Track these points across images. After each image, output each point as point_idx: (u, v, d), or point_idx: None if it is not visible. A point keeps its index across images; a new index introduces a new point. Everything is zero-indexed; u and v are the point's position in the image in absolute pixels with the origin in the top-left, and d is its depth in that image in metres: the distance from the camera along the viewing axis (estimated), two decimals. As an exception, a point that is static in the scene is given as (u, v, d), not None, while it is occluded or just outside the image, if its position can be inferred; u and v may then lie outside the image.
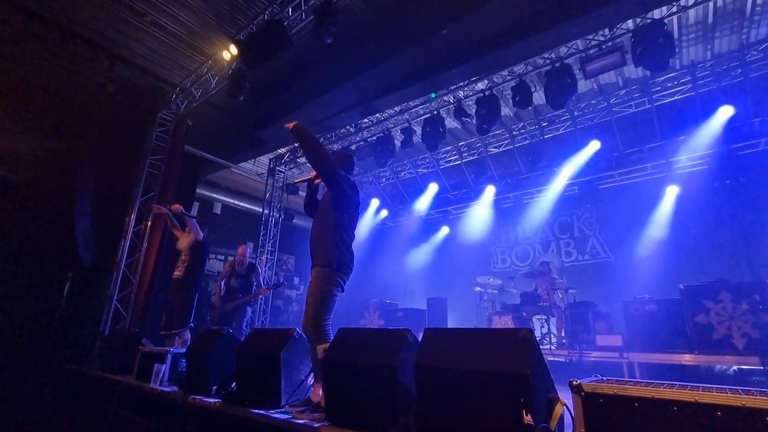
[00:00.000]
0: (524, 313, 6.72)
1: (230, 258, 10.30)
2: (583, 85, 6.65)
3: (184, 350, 3.66)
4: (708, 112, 6.43)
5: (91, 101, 6.67)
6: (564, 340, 6.13)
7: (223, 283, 5.50)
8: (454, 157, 9.07)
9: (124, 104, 6.74)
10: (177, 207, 4.75)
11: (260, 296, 6.20)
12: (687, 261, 6.73)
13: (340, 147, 8.43)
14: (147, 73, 6.51)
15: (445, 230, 10.57)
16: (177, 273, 4.61)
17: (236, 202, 9.66)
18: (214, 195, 9.23)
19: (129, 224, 6.22)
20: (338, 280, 2.60)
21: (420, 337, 2.05)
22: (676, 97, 6.54)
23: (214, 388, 3.05)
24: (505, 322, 6.53)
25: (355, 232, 2.82)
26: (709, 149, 6.78)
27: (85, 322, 6.01)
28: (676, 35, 5.63)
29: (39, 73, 6.19)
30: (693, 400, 1.28)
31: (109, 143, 6.81)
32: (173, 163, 6.75)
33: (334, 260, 2.57)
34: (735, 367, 5.04)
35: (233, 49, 5.39)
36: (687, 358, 4.69)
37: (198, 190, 8.38)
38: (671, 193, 7.30)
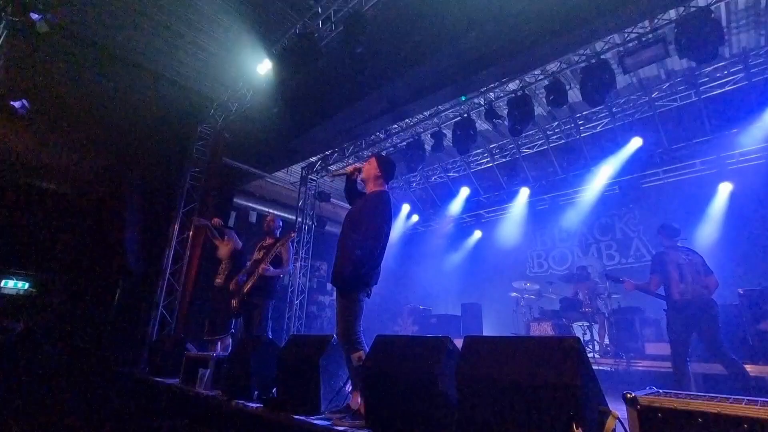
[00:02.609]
0: (564, 320, 6.45)
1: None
2: (621, 80, 6.34)
3: (226, 355, 3.78)
4: (763, 102, 5.97)
5: (138, 119, 7.12)
6: (608, 348, 5.83)
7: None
8: (485, 160, 8.91)
9: (166, 120, 7.13)
10: (216, 220, 4.95)
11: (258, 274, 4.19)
12: (744, 263, 6.22)
13: (370, 153, 8.51)
14: (187, 90, 6.87)
15: (477, 234, 10.38)
16: (218, 280, 4.78)
17: (271, 211, 9.93)
18: (250, 204, 9.54)
19: (173, 234, 6.54)
20: (369, 290, 2.61)
21: (459, 345, 2.01)
22: (726, 88, 6.11)
23: (256, 393, 3.12)
24: (544, 329, 6.30)
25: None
26: (765, 142, 6.27)
27: (134, 328, 6.36)
28: (724, 22, 5.28)
29: (89, 96, 6.67)
30: (767, 417, 1.18)
31: (154, 157, 7.23)
32: (212, 175, 7.06)
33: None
34: (806, 379, 4.59)
35: (267, 64, 5.59)
36: (750, 369, 4.32)
37: (235, 200, 8.70)
38: (724, 190, 6.81)
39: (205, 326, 4.77)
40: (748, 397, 1.40)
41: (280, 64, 5.21)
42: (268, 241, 4.54)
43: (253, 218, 9.88)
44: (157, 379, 4.35)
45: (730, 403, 1.29)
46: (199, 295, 6.53)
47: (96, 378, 5.79)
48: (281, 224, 4.78)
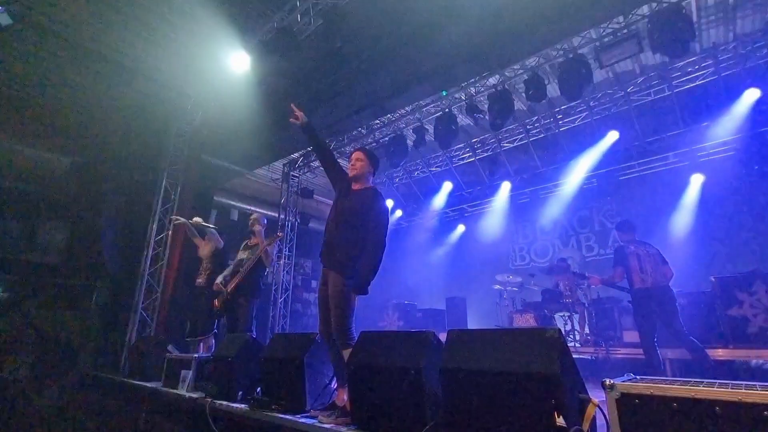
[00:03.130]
0: (546, 311, 6.59)
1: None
2: (598, 75, 6.48)
3: (209, 356, 3.71)
4: (733, 95, 6.18)
5: (112, 116, 6.87)
6: (588, 337, 5.99)
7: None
8: (467, 155, 8.98)
9: (141, 116, 6.91)
10: (197, 220, 4.84)
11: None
12: (716, 252, 6.49)
13: (352, 149, 8.45)
14: (162, 85, 6.66)
15: (461, 228, 10.48)
16: (200, 280, 4.68)
17: (253, 208, 9.78)
18: (231, 202, 9.37)
19: (151, 234, 6.36)
20: None
21: (443, 339, 2.03)
22: (697, 82, 6.31)
23: (240, 393, 3.08)
24: (527, 320, 6.42)
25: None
26: (735, 134, 6.51)
27: (113, 331, 6.18)
28: (695, 18, 5.44)
29: (61, 92, 6.41)
30: (737, 399, 1.22)
31: (129, 155, 7.00)
32: (191, 173, 6.88)
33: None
34: (772, 361, 4.83)
35: (244, 58, 5.46)
36: (720, 353, 4.51)
37: (215, 198, 8.52)
38: (696, 181, 7.05)
39: (186, 327, 4.67)
40: (719, 381, 1.45)
41: (259, 58, 5.10)
42: (254, 240, 4.45)
43: (235, 216, 9.71)
44: (138, 382, 4.25)
45: (703, 387, 1.34)
46: (180, 295, 6.39)
47: (75, 383, 5.62)
48: (266, 222, 4.69)
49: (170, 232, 6.41)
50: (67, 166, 7.11)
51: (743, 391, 1.25)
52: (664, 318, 4.07)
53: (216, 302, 4.23)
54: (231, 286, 4.16)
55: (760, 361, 4.83)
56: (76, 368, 5.88)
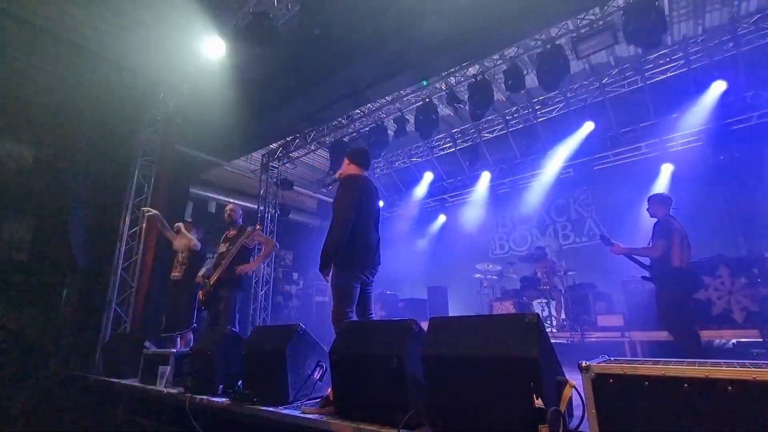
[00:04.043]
0: (524, 298, 6.76)
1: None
2: (575, 66, 6.59)
3: (187, 351, 3.64)
4: (701, 88, 6.42)
5: (79, 104, 6.54)
6: (564, 323, 6.18)
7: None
8: (448, 145, 9.02)
9: (112, 105, 6.60)
10: (180, 226, 4.67)
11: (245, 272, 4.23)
12: (684, 238, 6.75)
13: (333, 139, 8.36)
14: (133, 73, 6.38)
15: (442, 218, 10.57)
16: (176, 274, 4.57)
17: (231, 200, 9.56)
18: (208, 194, 9.14)
19: (123, 227, 6.15)
20: (354, 273, 2.71)
21: (425, 327, 2.04)
22: (668, 74, 6.51)
23: (221, 387, 3.04)
24: (507, 307, 6.57)
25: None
26: (702, 125, 6.78)
27: (86, 328, 5.97)
28: (667, 11, 5.58)
29: (23, 78, 6.05)
30: (704, 375, 1.28)
31: (100, 146, 6.69)
32: (164, 163, 6.66)
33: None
34: (734, 341, 5.11)
35: (219, 44, 5.29)
36: (686, 334, 4.73)
37: (192, 190, 8.29)
38: (666, 171, 7.32)
39: (162, 322, 4.56)
40: (687, 360, 1.52)
41: (234, 44, 4.95)
42: (232, 232, 4.38)
43: (213, 208, 9.48)
44: (114, 379, 4.13)
45: (672, 365, 1.40)
46: (156, 290, 6.22)
47: (47, 383, 5.42)
48: (241, 213, 4.65)
49: (144, 226, 6.21)
50: (32, 158, 6.75)
51: (709, 368, 1.31)
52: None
53: (200, 295, 4.16)
54: (213, 279, 4.10)
55: (722, 341, 5.11)
56: (47, 368, 5.66)
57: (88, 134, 6.65)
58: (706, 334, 4.68)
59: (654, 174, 7.40)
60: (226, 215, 4.46)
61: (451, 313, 8.33)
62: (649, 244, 3.96)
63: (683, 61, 6.28)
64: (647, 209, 4.16)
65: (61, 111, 6.56)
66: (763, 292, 4.28)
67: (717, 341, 5.12)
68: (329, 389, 2.37)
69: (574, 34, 5.53)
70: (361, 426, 1.96)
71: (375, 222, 2.98)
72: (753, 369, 1.26)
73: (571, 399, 1.73)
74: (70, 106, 6.50)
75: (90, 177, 6.67)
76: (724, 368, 1.30)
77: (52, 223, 6.52)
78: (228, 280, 4.10)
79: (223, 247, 4.29)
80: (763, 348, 4.24)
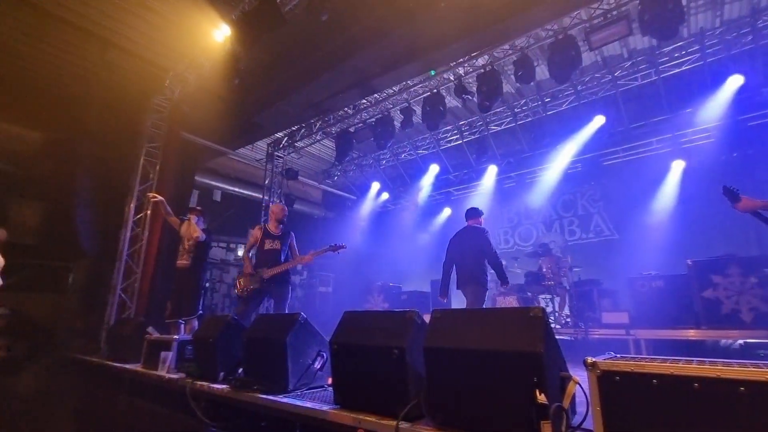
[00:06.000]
0: (529, 293, 6.70)
1: (235, 244, 10.30)
2: (586, 58, 6.44)
3: (190, 338, 3.65)
4: (717, 82, 6.25)
5: (85, 90, 6.53)
6: (568, 319, 6.13)
7: (252, 253, 4.60)
8: (454, 137, 8.92)
9: (118, 92, 6.58)
10: (191, 216, 4.69)
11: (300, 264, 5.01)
12: (694, 237, 6.64)
13: (339, 129, 8.30)
14: (140, 59, 6.34)
15: (447, 212, 10.49)
16: (183, 262, 4.57)
17: (236, 189, 9.57)
18: (214, 182, 9.15)
19: (129, 213, 6.17)
20: None
21: (427, 319, 2.01)
22: (683, 68, 6.34)
23: (222, 374, 3.04)
24: (510, 302, 6.53)
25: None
26: (716, 121, 6.61)
27: (91, 313, 6.03)
28: (684, 1, 5.42)
29: (31, 63, 6.04)
30: (715, 375, 1.23)
31: (106, 132, 6.69)
32: (170, 150, 6.65)
33: None
34: (741, 341, 5.03)
35: (226, 30, 5.22)
36: (692, 334, 4.67)
37: (197, 178, 8.29)
38: (677, 167, 7.18)
39: (167, 309, 4.58)
40: (697, 359, 1.47)
41: (240, 31, 4.88)
42: (277, 230, 4.66)
43: (218, 197, 9.50)
44: (117, 363, 4.17)
45: (682, 365, 1.35)
46: (161, 276, 6.25)
47: (52, 365, 5.49)
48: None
49: (149, 212, 6.22)
50: (40, 142, 6.77)
51: (721, 368, 1.26)
52: None
53: (244, 287, 4.36)
54: (270, 273, 4.40)
55: (729, 341, 5.04)
56: (53, 351, 5.74)
57: (95, 120, 6.65)
58: (712, 334, 4.61)
59: (665, 170, 7.27)
60: (276, 214, 4.71)
61: (453, 307, 8.31)
62: None
63: (699, 54, 6.10)
64: None
65: (68, 96, 6.56)
66: (773, 292, 4.19)
67: (723, 341, 5.04)
68: (329, 378, 2.36)
69: (587, 25, 5.38)
70: (360, 416, 1.94)
71: None
72: (766, 370, 1.21)
73: (574, 396, 1.69)
74: (77, 91, 6.49)
75: (97, 162, 6.69)
76: (736, 368, 1.25)
77: (59, 208, 6.56)
78: (282, 279, 4.52)
79: (273, 244, 4.55)
80: (771, 349, 4.17)
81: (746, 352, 4.92)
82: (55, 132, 6.82)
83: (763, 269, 4.27)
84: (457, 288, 4.77)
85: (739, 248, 5.73)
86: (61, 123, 6.76)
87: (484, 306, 2.40)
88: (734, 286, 4.43)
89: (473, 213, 5.10)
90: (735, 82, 6.12)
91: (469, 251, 4.72)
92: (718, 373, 1.24)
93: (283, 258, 4.53)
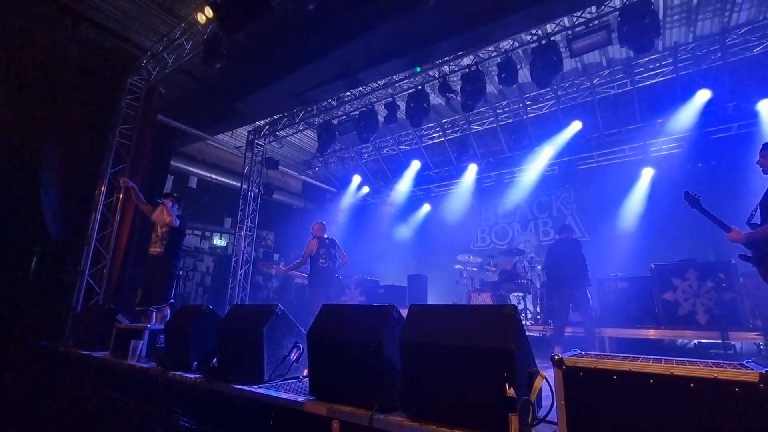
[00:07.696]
0: (502, 291, 6.88)
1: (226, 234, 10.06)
2: (567, 64, 6.62)
3: (161, 326, 3.58)
4: (687, 95, 6.55)
5: (55, 65, 6.19)
6: (539, 317, 6.34)
7: (322, 256, 5.59)
8: (437, 134, 9.00)
9: (90, 69, 6.28)
10: (165, 201, 4.52)
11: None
12: (659, 241, 6.99)
13: (322, 120, 8.22)
14: (115, 36, 6.07)
15: (426, 208, 10.61)
16: (156, 249, 4.46)
17: (213, 176, 9.36)
18: (190, 168, 8.90)
19: (99, 197, 5.94)
20: None
21: (404, 314, 2.06)
22: (657, 79, 6.62)
23: (195, 363, 3.01)
24: (484, 299, 6.69)
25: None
26: (684, 132, 6.95)
27: (57, 299, 5.79)
28: (661, 15, 5.64)
29: (-7, 32, 5.68)
30: (669, 372, 1.33)
31: (77, 111, 6.38)
32: (145, 133, 6.42)
33: None
34: (695, 341, 5.36)
35: (209, 12, 5.07)
36: (652, 333, 4.93)
37: (173, 163, 8.05)
38: (647, 175, 7.50)
39: (137, 296, 4.47)
40: (654, 357, 1.58)
41: (224, 13, 4.75)
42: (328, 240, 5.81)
43: (194, 183, 9.25)
44: (84, 352, 4.04)
45: (640, 362, 1.45)
46: (132, 263, 6.07)
47: (12, 354, 5.26)
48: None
49: (121, 196, 6.01)
50: (3, 120, 6.40)
51: (674, 365, 1.36)
52: None
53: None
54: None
55: (685, 341, 5.36)
56: (13, 338, 5.49)
57: (64, 97, 6.33)
58: (670, 334, 4.89)
59: (635, 177, 7.58)
60: (319, 230, 5.82)
61: (429, 302, 8.44)
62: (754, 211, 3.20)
63: (672, 68, 6.38)
64: (757, 162, 3.30)
65: (36, 72, 6.21)
66: (726, 296, 4.47)
67: (680, 341, 5.36)
68: (305, 370, 2.38)
69: (570, 32, 5.53)
70: (336, 407, 1.97)
71: None
72: (715, 368, 1.32)
73: (541, 389, 1.78)
74: (44, 65, 6.15)
75: (66, 143, 6.38)
76: (688, 366, 1.35)
77: (21, 189, 6.23)
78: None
79: (333, 251, 5.80)
80: (721, 349, 4.46)
81: (699, 352, 5.26)
82: (19, 108, 6.46)
83: (718, 274, 4.55)
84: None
85: (698, 254, 6.07)
86: (25, 98, 6.40)
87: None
88: (692, 289, 4.71)
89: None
90: (703, 96, 6.44)
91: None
92: (672, 371, 1.34)
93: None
